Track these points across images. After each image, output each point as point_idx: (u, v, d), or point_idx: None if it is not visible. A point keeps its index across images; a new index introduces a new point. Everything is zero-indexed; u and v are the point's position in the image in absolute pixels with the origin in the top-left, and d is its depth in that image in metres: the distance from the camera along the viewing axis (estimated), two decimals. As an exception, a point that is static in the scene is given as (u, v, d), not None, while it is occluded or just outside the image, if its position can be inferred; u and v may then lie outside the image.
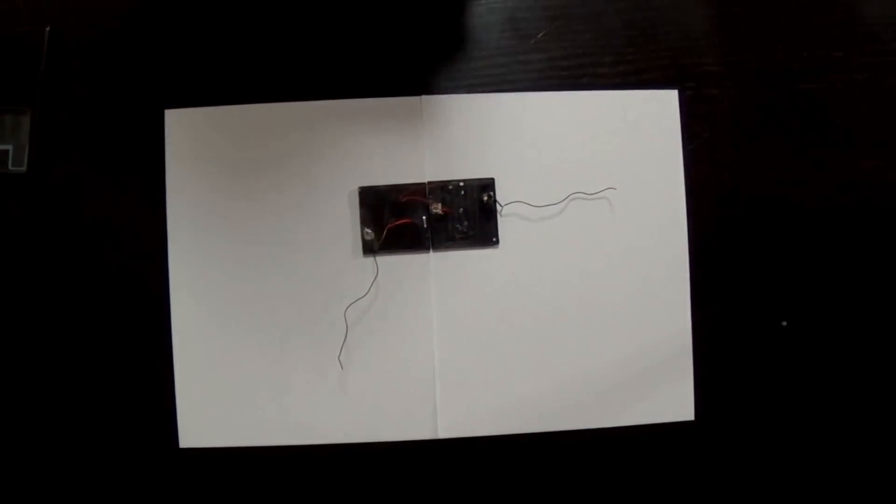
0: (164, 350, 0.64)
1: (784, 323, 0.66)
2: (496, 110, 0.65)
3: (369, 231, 0.64)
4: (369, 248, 0.64)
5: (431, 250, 0.65)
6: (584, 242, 0.63)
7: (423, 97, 0.65)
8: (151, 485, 0.65)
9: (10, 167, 0.63)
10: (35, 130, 0.63)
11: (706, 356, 0.65)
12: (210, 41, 0.65)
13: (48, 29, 0.64)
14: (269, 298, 0.65)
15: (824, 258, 0.66)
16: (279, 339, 0.65)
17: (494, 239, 0.65)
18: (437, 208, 0.64)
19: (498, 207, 0.65)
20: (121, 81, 0.65)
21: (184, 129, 0.65)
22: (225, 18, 0.65)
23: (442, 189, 0.64)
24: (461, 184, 0.65)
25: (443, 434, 0.65)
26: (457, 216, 0.64)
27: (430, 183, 0.65)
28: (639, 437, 0.65)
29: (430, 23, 0.66)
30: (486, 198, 0.64)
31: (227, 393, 0.65)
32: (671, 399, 0.65)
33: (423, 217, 0.64)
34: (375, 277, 0.64)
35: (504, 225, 0.65)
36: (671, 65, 0.66)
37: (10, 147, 0.63)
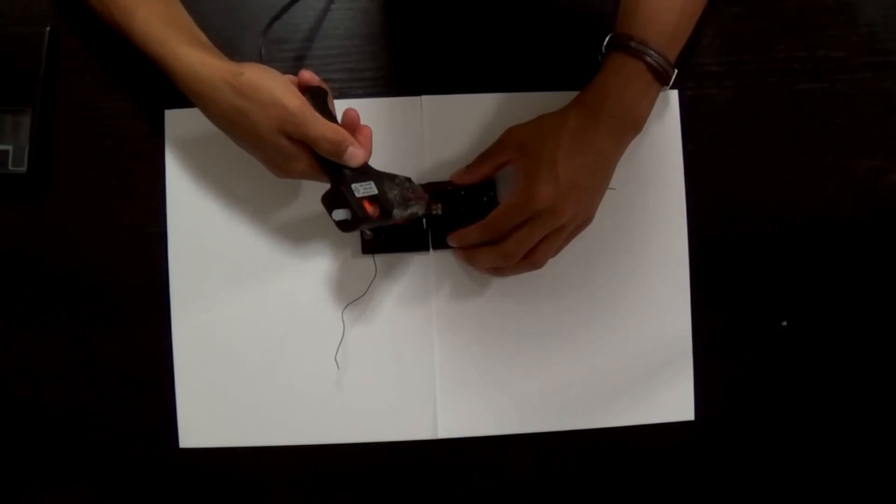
0: (164, 350, 0.64)
1: (784, 323, 0.66)
2: (496, 110, 0.65)
3: (369, 231, 0.64)
4: (369, 248, 0.64)
5: (431, 250, 0.65)
6: (585, 242, 0.63)
7: (424, 97, 0.65)
8: (151, 484, 0.65)
9: (10, 167, 0.63)
10: (35, 130, 0.63)
11: (706, 356, 0.65)
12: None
13: (48, 29, 0.64)
14: (268, 299, 0.65)
15: (824, 258, 0.66)
16: (278, 340, 0.65)
17: (494, 239, 0.65)
18: (437, 209, 0.64)
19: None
20: (121, 81, 0.65)
21: (184, 129, 0.65)
22: (224, 18, 0.65)
23: (442, 190, 0.64)
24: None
25: (443, 434, 0.65)
26: (457, 216, 0.64)
27: (430, 184, 0.65)
28: (639, 437, 0.65)
29: (431, 23, 0.66)
30: (486, 198, 0.64)
31: (226, 393, 0.65)
32: (671, 399, 0.65)
33: (424, 218, 0.64)
34: (374, 278, 0.64)
35: (504, 225, 0.65)
36: (671, 65, 0.66)
37: (10, 147, 0.63)
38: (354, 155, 0.55)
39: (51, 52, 0.64)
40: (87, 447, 0.65)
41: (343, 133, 0.55)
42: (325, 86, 0.59)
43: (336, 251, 0.65)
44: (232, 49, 0.65)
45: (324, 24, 0.66)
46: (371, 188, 0.55)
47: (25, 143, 0.63)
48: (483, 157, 0.62)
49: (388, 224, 0.57)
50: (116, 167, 0.65)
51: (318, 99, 0.57)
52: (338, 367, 0.64)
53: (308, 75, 0.58)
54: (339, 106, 0.65)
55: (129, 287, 0.65)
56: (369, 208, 0.55)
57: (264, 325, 0.65)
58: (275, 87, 0.54)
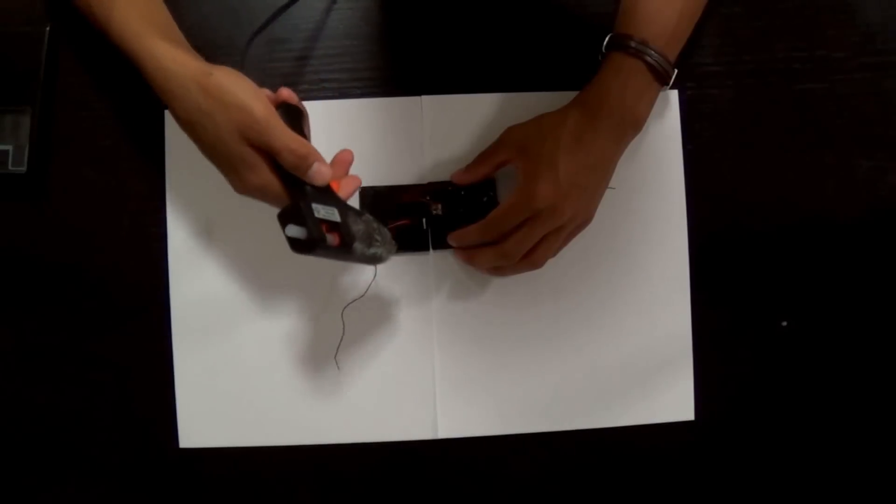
0: (164, 350, 0.64)
1: (784, 323, 0.66)
2: (496, 110, 0.65)
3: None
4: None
5: (431, 250, 0.65)
6: (584, 244, 0.63)
7: (423, 97, 0.65)
8: (151, 485, 0.65)
9: (10, 167, 0.63)
10: (35, 130, 0.63)
11: (706, 356, 0.65)
12: (208, 42, 0.65)
13: (48, 29, 0.64)
14: (268, 299, 0.65)
15: (824, 258, 0.66)
16: (278, 340, 0.65)
17: (494, 239, 0.65)
18: (437, 209, 0.64)
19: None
20: (121, 81, 0.65)
21: (184, 129, 0.65)
22: (224, 18, 0.65)
23: (442, 190, 0.64)
24: (461, 184, 0.65)
25: (443, 434, 0.65)
26: (457, 216, 0.64)
27: (430, 184, 0.65)
28: (639, 437, 0.65)
29: (431, 23, 0.66)
30: (485, 198, 0.64)
31: (226, 393, 0.65)
32: (671, 399, 0.65)
33: (424, 218, 0.64)
34: (374, 278, 0.64)
35: (504, 225, 0.65)
36: (671, 65, 0.66)
37: (10, 147, 0.63)
38: (320, 172, 0.53)
39: (51, 52, 0.64)
40: (87, 447, 0.65)
41: (310, 147, 0.53)
42: (303, 108, 0.57)
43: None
44: (232, 49, 0.65)
45: (324, 24, 0.66)
46: (333, 214, 0.52)
47: (25, 143, 0.63)
48: (482, 157, 0.62)
49: (346, 259, 0.54)
50: (116, 167, 0.65)
51: (292, 117, 0.55)
52: (338, 367, 0.65)
53: (287, 93, 0.56)
54: (340, 106, 0.65)
55: (129, 287, 0.65)
56: (328, 234, 0.51)
57: (264, 325, 0.65)
58: (242, 92, 0.52)
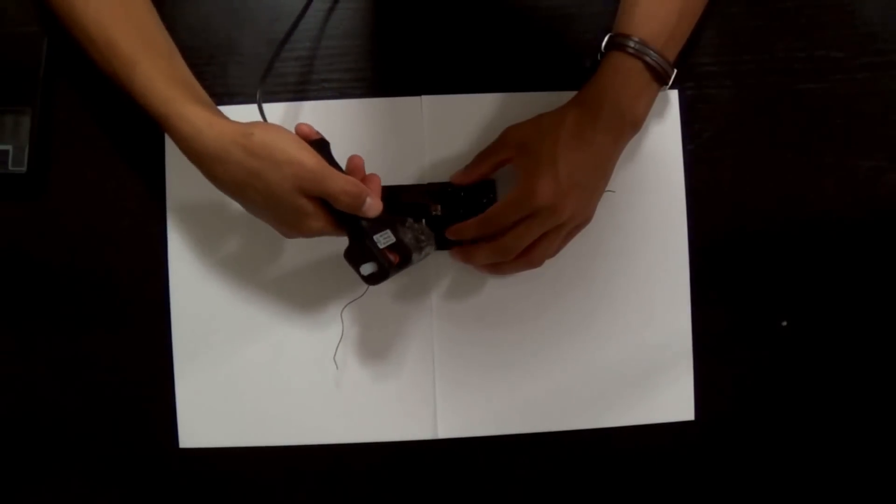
0: (164, 350, 0.64)
1: (784, 323, 0.66)
2: (496, 110, 0.65)
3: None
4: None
5: (431, 250, 0.65)
6: (584, 243, 0.63)
7: (423, 97, 0.65)
8: (151, 485, 0.65)
9: (10, 167, 0.63)
10: (35, 130, 0.63)
11: (706, 356, 0.65)
12: (207, 42, 0.65)
13: (48, 29, 0.64)
14: (268, 298, 0.65)
15: (824, 258, 0.66)
16: (278, 339, 0.65)
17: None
18: (437, 210, 0.64)
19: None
20: (121, 81, 0.65)
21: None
22: (224, 18, 0.66)
23: (442, 190, 0.64)
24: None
25: (443, 434, 0.65)
26: (456, 218, 0.64)
27: (430, 184, 0.65)
28: (639, 437, 0.65)
29: (430, 23, 0.66)
30: (485, 199, 0.64)
31: (226, 393, 0.65)
32: (671, 399, 0.65)
33: (423, 219, 0.64)
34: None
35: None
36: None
37: (10, 147, 0.63)
38: (372, 206, 0.54)
39: (51, 52, 0.64)
40: (87, 447, 0.65)
41: (360, 184, 0.54)
42: (324, 137, 0.57)
43: (335, 251, 0.65)
44: (232, 49, 0.65)
45: (324, 24, 0.66)
46: (389, 237, 0.55)
47: (25, 143, 0.63)
48: (482, 156, 0.62)
49: (406, 268, 0.57)
50: (116, 167, 0.65)
51: (325, 151, 0.56)
52: (337, 367, 0.65)
53: (307, 129, 0.56)
54: (340, 106, 0.65)
55: (129, 287, 0.65)
56: (392, 258, 0.55)
57: (264, 325, 0.65)
58: (289, 146, 0.52)
